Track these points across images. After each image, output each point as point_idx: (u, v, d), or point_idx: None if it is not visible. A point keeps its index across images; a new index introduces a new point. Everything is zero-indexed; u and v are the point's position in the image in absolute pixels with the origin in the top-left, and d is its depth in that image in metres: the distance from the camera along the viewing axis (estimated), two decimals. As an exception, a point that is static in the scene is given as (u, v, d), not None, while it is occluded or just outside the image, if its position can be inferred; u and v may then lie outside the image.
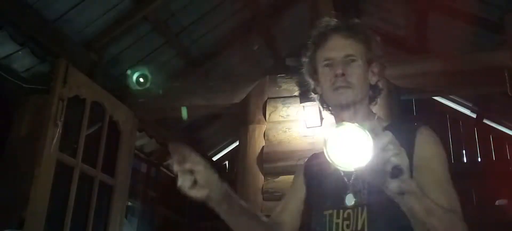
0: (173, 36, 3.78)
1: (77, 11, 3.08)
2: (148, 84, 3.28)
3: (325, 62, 1.26)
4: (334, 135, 0.91)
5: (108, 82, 3.42)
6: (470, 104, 5.36)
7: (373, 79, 1.28)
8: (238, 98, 3.36)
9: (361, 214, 1.12)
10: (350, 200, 1.15)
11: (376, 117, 1.29)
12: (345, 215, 1.15)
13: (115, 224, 3.26)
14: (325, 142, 0.91)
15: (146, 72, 3.31)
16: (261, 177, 3.02)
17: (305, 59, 1.35)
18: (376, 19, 4.65)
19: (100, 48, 3.40)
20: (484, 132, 5.76)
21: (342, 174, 1.17)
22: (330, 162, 0.91)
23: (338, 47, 1.25)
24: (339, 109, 1.27)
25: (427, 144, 1.16)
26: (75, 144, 2.95)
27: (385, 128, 1.19)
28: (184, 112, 3.45)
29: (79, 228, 2.96)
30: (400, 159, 0.89)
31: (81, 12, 3.11)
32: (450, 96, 5.38)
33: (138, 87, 3.28)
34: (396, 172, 0.89)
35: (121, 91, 3.50)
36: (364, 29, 1.30)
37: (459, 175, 5.71)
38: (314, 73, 1.33)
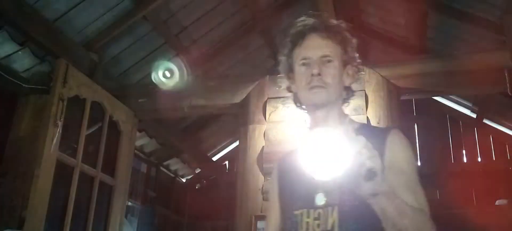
0: (173, 36, 3.78)
1: (77, 11, 3.08)
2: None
3: (302, 61, 1.27)
4: (309, 144, 0.92)
5: (108, 82, 3.42)
6: (470, 104, 5.36)
7: (347, 81, 1.30)
8: (238, 98, 3.36)
9: (332, 214, 1.14)
10: (320, 199, 1.16)
11: (348, 118, 1.32)
12: (316, 215, 1.16)
13: (115, 224, 3.26)
14: (300, 151, 0.93)
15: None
16: (261, 177, 3.02)
17: (281, 57, 1.36)
18: (376, 19, 4.65)
19: (100, 48, 3.40)
20: (484, 132, 5.76)
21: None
22: (306, 171, 0.92)
23: (316, 47, 1.26)
24: (313, 109, 1.28)
25: (397, 146, 1.19)
26: (75, 144, 2.95)
27: (357, 130, 1.24)
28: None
29: (79, 228, 2.96)
30: (373, 162, 0.92)
31: (81, 12, 3.11)
32: (450, 96, 5.38)
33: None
34: (370, 175, 0.91)
35: (121, 91, 3.50)
36: (342, 31, 1.31)
37: (459, 175, 5.73)
38: (290, 72, 1.34)
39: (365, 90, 2.99)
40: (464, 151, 5.93)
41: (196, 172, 6.42)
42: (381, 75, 3.01)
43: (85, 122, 3.02)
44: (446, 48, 4.23)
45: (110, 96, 3.26)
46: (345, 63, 1.29)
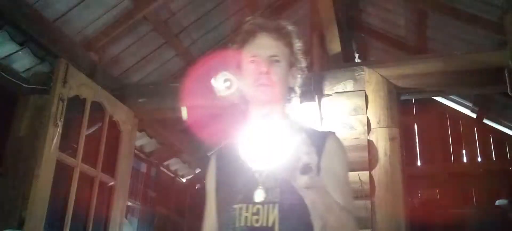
0: (173, 36, 3.78)
1: (77, 11, 3.08)
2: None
3: (251, 59, 1.31)
4: (250, 133, 0.98)
5: (108, 82, 3.42)
6: (470, 104, 5.36)
7: (291, 82, 1.36)
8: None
9: (272, 211, 1.17)
10: (259, 196, 1.19)
11: (290, 119, 1.36)
12: (255, 210, 1.19)
13: (115, 224, 3.26)
14: (240, 141, 1.00)
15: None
16: (261, 177, 3.02)
17: (230, 53, 1.39)
18: (376, 19, 4.66)
19: (100, 48, 3.40)
20: (484, 132, 5.76)
21: (253, 170, 1.21)
22: (245, 159, 0.99)
23: (265, 46, 1.30)
24: (258, 106, 1.32)
25: (334, 150, 1.27)
26: (75, 144, 2.95)
27: (298, 129, 1.27)
28: (184, 113, 3.44)
29: (79, 228, 2.96)
30: (310, 158, 1.00)
31: (81, 12, 3.11)
32: (450, 96, 5.38)
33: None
34: (305, 169, 0.99)
35: (121, 91, 3.50)
36: (291, 34, 1.35)
37: (459, 175, 5.72)
38: (237, 68, 1.36)
39: (365, 90, 2.99)
40: (464, 151, 5.93)
41: (196, 172, 6.42)
42: (381, 75, 3.01)
43: (85, 122, 3.01)
44: (446, 48, 4.23)
45: (110, 96, 3.26)
46: (291, 65, 1.34)
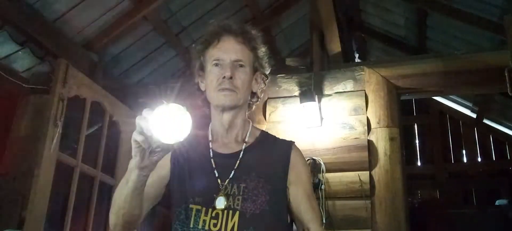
0: (173, 36, 3.78)
1: (77, 11, 3.08)
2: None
3: (215, 62, 1.29)
4: (157, 113, 0.98)
5: (108, 82, 3.42)
6: (470, 104, 5.36)
7: (255, 87, 1.35)
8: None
9: (232, 218, 1.18)
10: (220, 203, 1.19)
11: (251, 124, 1.36)
12: (214, 214, 1.19)
13: (115, 224, 3.26)
14: (149, 120, 0.99)
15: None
16: (261, 177, 3.02)
17: (194, 54, 1.37)
18: (376, 19, 4.66)
19: (100, 48, 3.40)
20: (484, 132, 5.76)
21: (216, 175, 1.23)
22: (153, 136, 0.98)
23: (230, 50, 1.29)
24: (220, 110, 1.30)
25: (300, 161, 1.32)
26: (75, 144, 2.95)
27: (261, 134, 1.36)
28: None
29: (79, 228, 2.96)
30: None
31: (81, 12, 3.11)
32: (450, 96, 5.39)
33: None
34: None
35: (121, 91, 3.50)
36: (256, 38, 1.34)
37: (459, 175, 5.73)
38: (200, 69, 1.35)
39: (365, 90, 2.99)
40: (464, 151, 5.93)
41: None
42: (381, 75, 3.01)
43: (85, 122, 3.01)
44: (446, 48, 4.23)
45: (110, 96, 3.26)
46: (255, 70, 1.33)
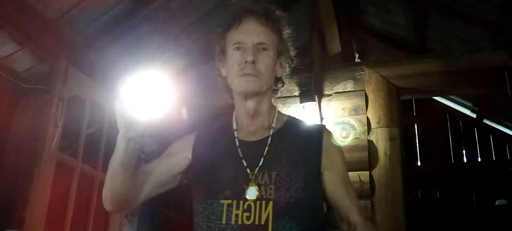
0: (173, 36, 3.78)
1: (77, 11, 3.08)
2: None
3: (236, 46, 1.21)
4: (132, 84, 0.91)
5: (108, 82, 3.42)
6: (470, 104, 5.36)
7: (279, 72, 1.27)
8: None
9: (265, 209, 1.09)
10: (252, 193, 1.11)
11: (277, 110, 1.28)
12: (245, 207, 1.11)
13: (115, 224, 3.26)
14: (123, 101, 0.93)
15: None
16: (261, 176, 3.01)
17: (215, 37, 1.29)
18: (376, 19, 4.66)
19: (100, 48, 3.40)
20: (484, 132, 5.76)
21: (245, 164, 1.15)
22: (131, 116, 0.93)
23: (252, 33, 1.20)
24: (243, 97, 1.23)
25: (333, 145, 1.24)
26: (75, 144, 2.95)
27: (286, 122, 1.26)
28: (184, 113, 3.44)
29: (79, 228, 2.96)
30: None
31: (81, 12, 3.11)
32: (450, 96, 5.38)
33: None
34: None
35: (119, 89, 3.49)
36: (280, 19, 1.26)
37: (459, 175, 5.73)
38: (221, 54, 1.27)
39: (365, 90, 2.99)
40: (464, 151, 5.93)
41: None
42: (381, 75, 3.01)
43: (85, 122, 3.01)
44: (446, 48, 4.23)
45: (110, 96, 3.26)
46: (279, 53, 1.25)
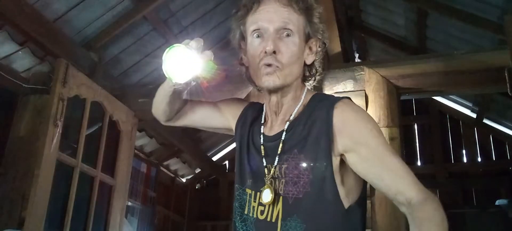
0: (173, 36, 3.78)
1: (77, 11, 3.08)
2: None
3: (256, 32, 1.06)
4: (168, 55, 1.01)
5: (108, 82, 3.42)
6: (470, 104, 5.36)
7: (309, 58, 1.09)
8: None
9: (277, 204, 1.01)
10: (266, 196, 1.02)
11: (303, 97, 1.10)
12: (261, 200, 1.05)
13: (115, 224, 3.26)
14: (163, 61, 1.02)
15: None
16: (261, 177, 3.02)
17: (233, 21, 1.15)
18: (376, 19, 4.66)
19: (100, 48, 3.40)
20: (484, 132, 5.76)
21: (264, 163, 1.07)
22: (167, 75, 1.02)
23: (273, 16, 1.04)
24: (265, 91, 1.10)
25: (350, 119, 1.00)
26: (75, 144, 2.95)
27: (310, 99, 1.09)
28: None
29: (79, 228, 2.96)
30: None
31: (81, 12, 3.11)
32: (450, 96, 5.38)
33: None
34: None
35: (121, 91, 3.50)
36: None
37: (459, 175, 5.74)
38: (241, 40, 1.13)
39: (365, 90, 2.99)
40: (464, 151, 5.93)
41: (196, 172, 6.42)
42: (381, 75, 3.01)
43: (85, 122, 3.02)
44: (446, 48, 4.23)
45: (110, 96, 3.26)
46: (307, 37, 1.08)
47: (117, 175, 3.30)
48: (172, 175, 6.03)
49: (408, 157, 5.77)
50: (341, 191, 0.99)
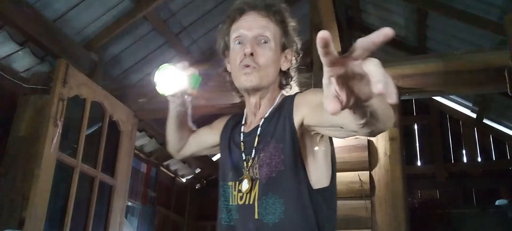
0: (173, 36, 3.78)
1: (77, 11, 3.08)
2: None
3: (237, 39, 1.21)
4: (159, 74, 1.17)
5: (108, 82, 3.42)
6: (470, 104, 5.36)
7: (284, 66, 1.23)
8: (238, 98, 3.35)
9: (253, 188, 1.13)
10: (245, 185, 1.14)
11: (277, 100, 1.23)
12: (240, 187, 1.16)
13: (115, 224, 3.26)
14: (155, 82, 1.18)
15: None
16: (261, 177, 3.02)
17: (219, 33, 1.29)
18: (376, 19, 4.66)
19: (100, 48, 3.40)
20: (484, 132, 5.76)
21: (243, 157, 1.19)
22: (160, 90, 1.19)
23: (252, 25, 1.19)
24: (245, 93, 1.24)
25: (301, 95, 1.16)
26: (75, 144, 2.95)
27: (280, 100, 1.23)
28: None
29: (79, 228, 2.96)
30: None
31: (81, 12, 3.11)
32: (450, 96, 5.38)
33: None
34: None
35: (121, 91, 3.50)
36: (282, 11, 1.23)
37: (459, 175, 5.73)
38: (225, 50, 1.27)
39: (365, 90, 2.99)
40: (464, 151, 5.93)
41: (196, 172, 6.42)
42: (381, 75, 3.01)
43: (85, 122, 3.02)
44: (446, 48, 4.23)
45: (110, 96, 3.26)
46: (283, 47, 1.22)
47: (117, 175, 3.30)
48: (172, 175, 6.03)
49: (408, 157, 5.77)
50: (309, 172, 1.11)
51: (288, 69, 1.25)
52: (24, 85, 3.05)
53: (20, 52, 3.00)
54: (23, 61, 3.08)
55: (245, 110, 1.31)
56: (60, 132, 2.72)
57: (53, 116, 2.69)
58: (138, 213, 5.15)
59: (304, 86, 3.10)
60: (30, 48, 3.03)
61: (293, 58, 1.25)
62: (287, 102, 1.17)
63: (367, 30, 4.90)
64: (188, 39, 3.95)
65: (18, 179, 2.82)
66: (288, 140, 1.10)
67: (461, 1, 3.44)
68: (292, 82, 1.28)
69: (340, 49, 3.22)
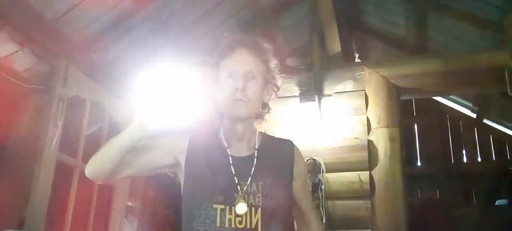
0: (173, 36, 3.78)
1: (77, 11, 3.08)
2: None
3: (229, 74, 1.34)
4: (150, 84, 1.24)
5: (108, 82, 3.42)
6: (470, 104, 5.36)
7: (266, 98, 1.42)
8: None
9: (255, 214, 1.26)
10: (241, 208, 1.25)
11: (257, 131, 1.43)
12: (236, 211, 1.26)
13: (115, 224, 3.26)
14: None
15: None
16: (261, 177, 3.02)
17: (208, 66, 1.43)
18: (376, 19, 4.66)
19: (100, 48, 3.40)
20: (484, 132, 5.76)
21: (236, 181, 1.29)
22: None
23: (243, 62, 1.35)
24: (233, 121, 1.37)
25: (300, 157, 1.45)
26: (75, 144, 2.95)
27: (263, 136, 1.44)
28: None
29: (79, 228, 2.96)
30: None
31: (81, 12, 3.11)
32: (450, 96, 5.38)
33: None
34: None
35: (121, 91, 3.50)
36: (268, 51, 1.41)
37: (459, 175, 5.73)
38: (214, 81, 1.41)
39: (365, 90, 2.99)
40: (464, 151, 5.93)
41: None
42: (381, 75, 3.01)
43: (85, 122, 3.02)
44: (446, 48, 4.23)
45: (110, 96, 3.26)
46: (266, 82, 1.39)
47: (117, 175, 3.30)
48: (172, 175, 6.02)
49: (408, 157, 5.77)
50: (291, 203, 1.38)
51: (268, 101, 1.44)
52: (24, 85, 3.05)
53: (20, 52, 3.00)
54: (23, 61, 3.08)
55: (222, 134, 1.41)
56: (60, 132, 2.73)
57: (53, 115, 2.69)
58: (138, 213, 5.15)
59: (304, 86, 3.10)
60: (30, 48, 3.02)
61: (273, 92, 1.44)
62: (285, 146, 1.45)
63: (367, 30, 4.90)
64: (188, 39, 3.94)
65: (18, 179, 2.82)
66: (287, 181, 1.36)
67: (461, 1, 3.44)
68: (267, 113, 1.46)
69: (340, 49, 3.22)
